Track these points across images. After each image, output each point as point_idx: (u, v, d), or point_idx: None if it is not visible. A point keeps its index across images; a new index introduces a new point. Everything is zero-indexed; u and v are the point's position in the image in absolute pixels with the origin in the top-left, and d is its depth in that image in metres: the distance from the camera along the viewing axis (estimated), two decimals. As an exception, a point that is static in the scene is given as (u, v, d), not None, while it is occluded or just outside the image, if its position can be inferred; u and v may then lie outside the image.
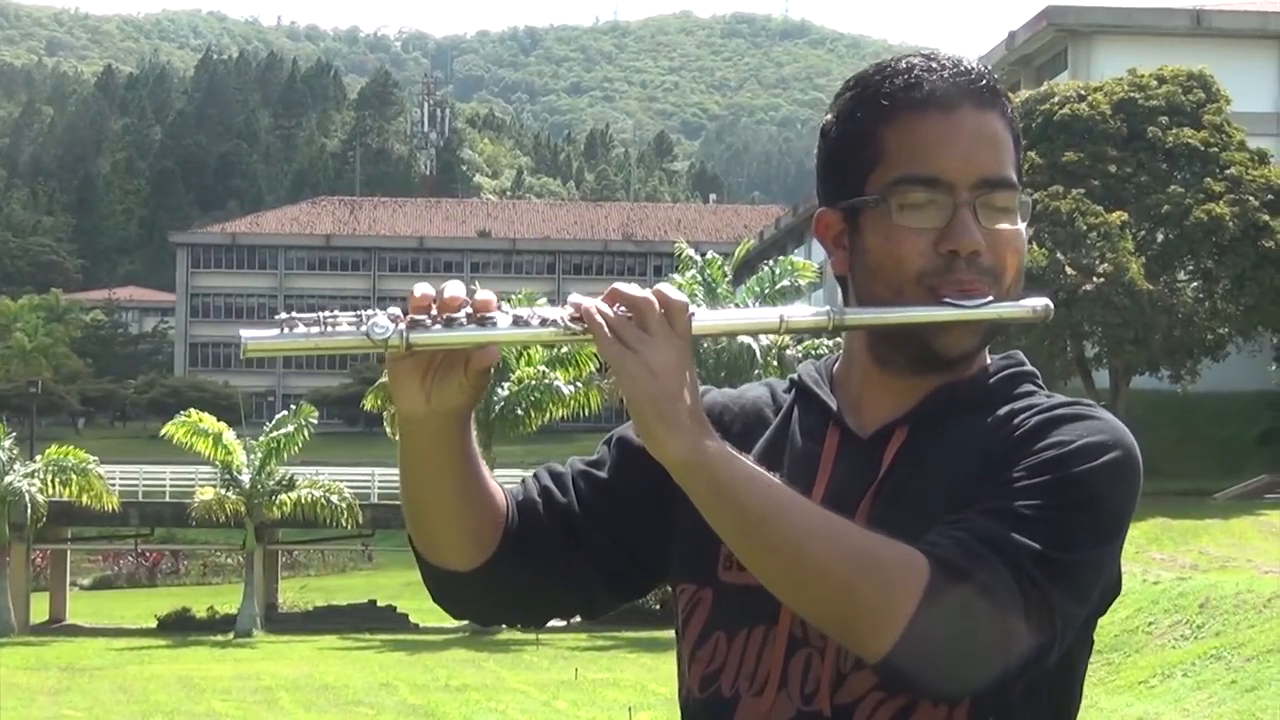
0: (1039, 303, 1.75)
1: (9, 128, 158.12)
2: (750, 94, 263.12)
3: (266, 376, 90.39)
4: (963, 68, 1.75)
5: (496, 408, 33.57)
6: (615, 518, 1.85)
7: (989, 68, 1.77)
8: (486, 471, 1.79)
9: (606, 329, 1.61)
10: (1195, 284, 35.28)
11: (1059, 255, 33.33)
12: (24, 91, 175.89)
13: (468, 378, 1.68)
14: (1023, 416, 1.72)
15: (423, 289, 1.64)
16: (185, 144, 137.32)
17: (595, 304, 1.63)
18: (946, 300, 1.70)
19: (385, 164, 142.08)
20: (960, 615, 1.55)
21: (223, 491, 34.67)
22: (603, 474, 1.88)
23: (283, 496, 34.18)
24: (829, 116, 1.81)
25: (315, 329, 1.61)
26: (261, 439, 34.42)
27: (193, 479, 38.42)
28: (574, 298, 1.64)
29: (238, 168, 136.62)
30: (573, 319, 1.63)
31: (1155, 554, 25.72)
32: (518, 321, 1.64)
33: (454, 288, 1.64)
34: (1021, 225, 1.75)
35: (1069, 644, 1.67)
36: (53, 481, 34.83)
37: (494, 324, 1.63)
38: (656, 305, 1.61)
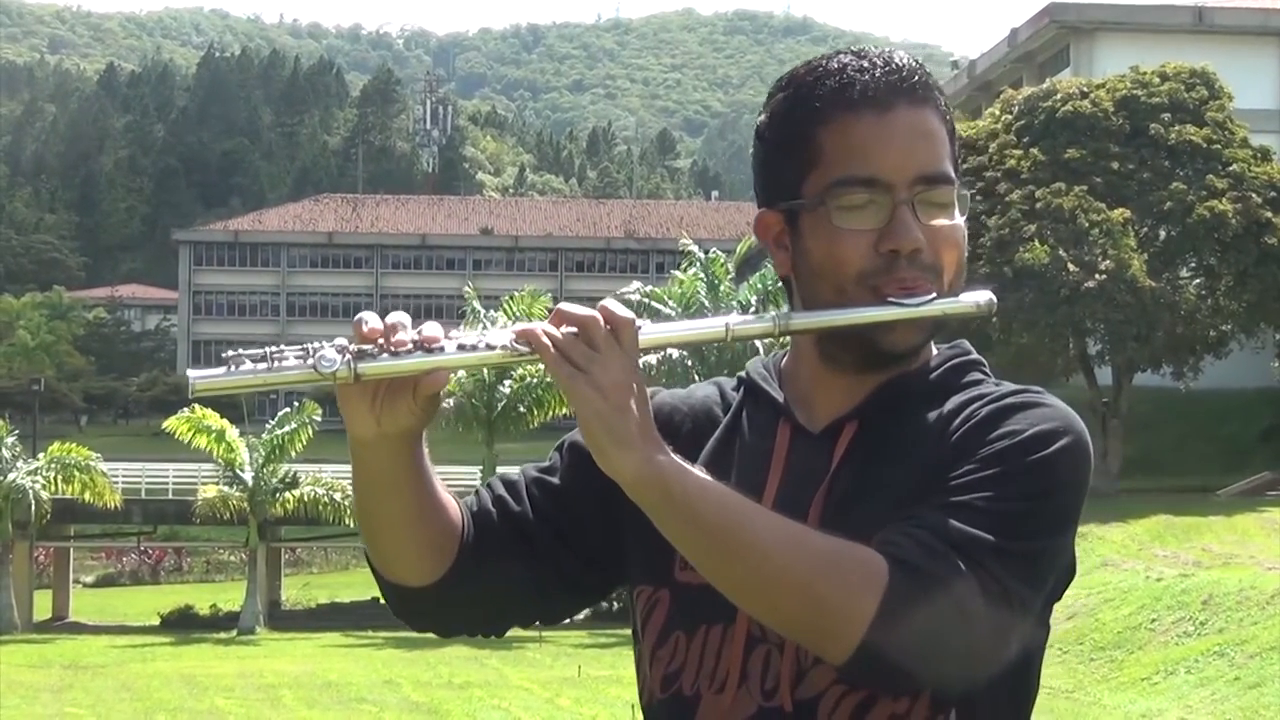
0: (982, 297, 1.75)
1: (11, 126, 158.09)
2: (752, 91, 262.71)
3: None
4: (894, 64, 1.75)
5: (499, 405, 33.57)
6: (569, 523, 1.86)
7: (920, 63, 1.78)
8: (441, 486, 1.79)
9: (553, 349, 1.60)
10: (1198, 281, 35.24)
11: (1061, 252, 33.30)
12: (26, 89, 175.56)
13: (416, 402, 1.67)
14: (973, 408, 1.73)
15: (370, 321, 1.64)
16: (188, 141, 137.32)
17: (541, 326, 1.62)
18: (890, 299, 1.71)
19: (387, 161, 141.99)
20: (921, 613, 1.56)
21: (226, 489, 34.67)
22: (555, 480, 1.88)
23: (286, 494, 34.17)
24: (762, 117, 1.82)
25: (262, 365, 1.61)
26: (264, 436, 34.40)
27: (195, 476, 38.49)
28: (518, 325, 1.64)
29: (240, 165, 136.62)
30: (518, 341, 1.63)
31: (1158, 551, 25.73)
32: (463, 348, 1.64)
33: (399, 318, 1.64)
34: (960, 219, 1.76)
35: (1027, 633, 1.68)
36: (56, 479, 34.84)
37: (441, 350, 1.63)
38: (602, 322, 1.61)
